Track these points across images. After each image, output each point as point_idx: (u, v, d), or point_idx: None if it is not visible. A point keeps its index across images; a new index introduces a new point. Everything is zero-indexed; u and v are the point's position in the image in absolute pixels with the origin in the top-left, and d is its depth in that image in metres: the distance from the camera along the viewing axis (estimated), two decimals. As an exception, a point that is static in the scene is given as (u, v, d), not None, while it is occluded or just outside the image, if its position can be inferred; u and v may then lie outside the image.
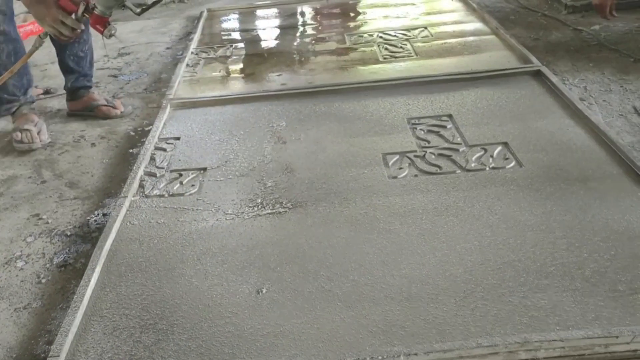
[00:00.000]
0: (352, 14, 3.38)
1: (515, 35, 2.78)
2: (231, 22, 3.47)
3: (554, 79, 2.21)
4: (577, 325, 1.18)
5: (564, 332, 1.17)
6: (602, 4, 2.60)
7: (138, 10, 1.88)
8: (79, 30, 1.84)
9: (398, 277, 1.36)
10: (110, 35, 1.85)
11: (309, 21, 3.39)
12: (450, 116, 2.05)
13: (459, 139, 1.91)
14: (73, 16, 1.78)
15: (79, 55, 2.36)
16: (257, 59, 2.79)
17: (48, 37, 1.88)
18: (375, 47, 2.76)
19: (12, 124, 2.24)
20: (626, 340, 1.15)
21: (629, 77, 2.35)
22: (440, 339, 1.19)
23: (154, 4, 1.97)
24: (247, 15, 3.58)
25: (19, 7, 2.10)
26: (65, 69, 2.39)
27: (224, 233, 1.57)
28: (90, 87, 2.44)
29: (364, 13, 3.37)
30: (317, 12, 3.50)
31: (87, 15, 1.80)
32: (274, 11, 3.60)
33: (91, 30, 2.03)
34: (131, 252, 1.53)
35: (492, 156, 1.80)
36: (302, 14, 3.52)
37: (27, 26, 3.30)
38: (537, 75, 2.30)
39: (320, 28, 3.20)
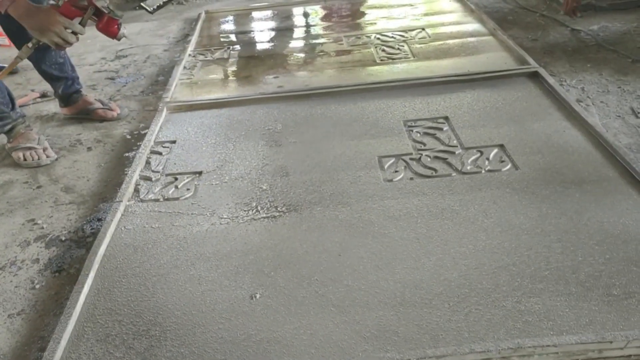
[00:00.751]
0: (354, 15, 3.37)
1: (512, 36, 2.77)
2: (229, 24, 3.47)
3: (551, 80, 2.20)
4: (571, 330, 1.18)
5: (558, 337, 1.16)
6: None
7: (153, 8, 1.87)
8: (79, 37, 1.79)
9: (392, 282, 1.36)
10: (122, 37, 1.84)
11: (307, 23, 3.38)
12: (446, 118, 2.05)
13: (455, 141, 1.90)
14: (75, 21, 1.74)
15: (59, 62, 2.30)
16: (254, 61, 2.78)
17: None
18: (372, 49, 2.76)
19: (9, 143, 2.16)
20: (620, 346, 1.14)
21: (627, 78, 2.34)
22: (434, 344, 1.18)
23: (169, 2, 1.96)
24: (245, 17, 3.58)
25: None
26: (50, 77, 2.34)
27: (219, 238, 1.57)
28: (81, 88, 2.42)
29: (363, 14, 3.37)
30: (316, 14, 3.50)
31: (96, 19, 1.78)
32: (271, 13, 3.59)
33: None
34: (125, 258, 1.53)
35: (488, 159, 1.79)
36: (300, 16, 3.52)
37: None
38: (534, 76, 2.29)
39: (318, 30, 3.20)
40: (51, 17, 1.72)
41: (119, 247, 1.57)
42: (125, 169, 1.99)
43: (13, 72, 2.97)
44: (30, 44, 1.79)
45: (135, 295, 1.39)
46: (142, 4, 1.80)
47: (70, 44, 1.79)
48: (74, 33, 1.77)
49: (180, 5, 4.15)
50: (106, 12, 1.77)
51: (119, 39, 1.85)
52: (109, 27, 1.79)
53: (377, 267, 1.41)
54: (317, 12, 3.54)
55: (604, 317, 1.20)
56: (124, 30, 1.83)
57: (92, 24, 1.82)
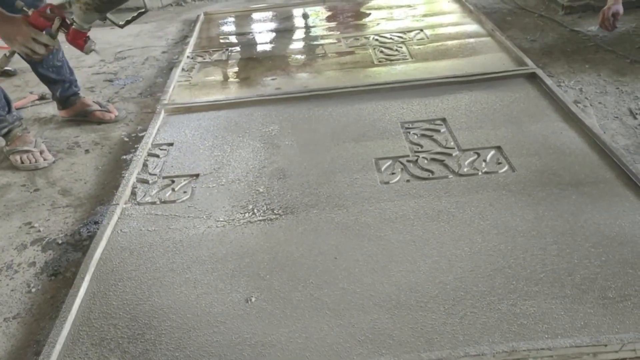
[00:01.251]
0: (352, 17, 3.37)
1: (511, 37, 2.77)
2: (228, 26, 3.47)
3: (549, 81, 2.20)
4: (566, 334, 1.17)
5: (552, 340, 1.16)
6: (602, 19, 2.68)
7: (121, 22, 1.83)
8: (52, 47, 1.75)
9: (387, 285, 1.36)
10: (91, 51, 1.79)
11: (305, 24, 3.38)
12: (444, 120, 2.04)
13: (452, 143, 1.90)
14: (45, 32, 1.70)
15: (56, 66, 2.30)
16: (252, 63, 2.78)
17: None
18: (370, 50, 2.75)
19: (6, 146, 2.16)
20: (615, 349, 1.14)
21: (625, 79, 2.34)
22: (428, 348, 1.18)
23: (139, 16, 1.92)
24: (244, 18, 3.58)
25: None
26: (48, 80, 2.34)
27: (215, 241, 1.57)
28: (79, 91, 2.42)
29: (362, 15, 3.36)
30: (315, 15, 3.50)
31: (65, 31, 1.75)
32: (270, 14, 3.59)
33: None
34: (121, 261, 1.53)
35: (485, 161, 1.79)
36: (298, 17, 3.51)
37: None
38: (532, 77, 2.28)
39: (316, 31, 3.19)
40: (19, 27, 1.69)
41: (115, 251, 1.57)
42: (123, 172, 1.99)
43: (11, 74, 2.98)
44: (7, 53, 1.77)
45: (131, 299, 1.39)
46: (108, 17, 1.73)
47: (38, 54, 1.75)
48: (46, 45, 1.75)
49: (179, 7, 4.15)
50: (69, 23, 1.73)
51: (87, 53, 1.79)
52: (76, 40, 1.74)
53: (372, 270, 1.41)
54: (316, 13, 3.54)
55: (599, 320, 1.20)
56: (93, 44, 1.78)
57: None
